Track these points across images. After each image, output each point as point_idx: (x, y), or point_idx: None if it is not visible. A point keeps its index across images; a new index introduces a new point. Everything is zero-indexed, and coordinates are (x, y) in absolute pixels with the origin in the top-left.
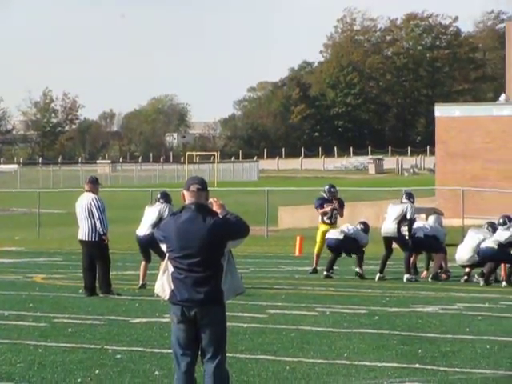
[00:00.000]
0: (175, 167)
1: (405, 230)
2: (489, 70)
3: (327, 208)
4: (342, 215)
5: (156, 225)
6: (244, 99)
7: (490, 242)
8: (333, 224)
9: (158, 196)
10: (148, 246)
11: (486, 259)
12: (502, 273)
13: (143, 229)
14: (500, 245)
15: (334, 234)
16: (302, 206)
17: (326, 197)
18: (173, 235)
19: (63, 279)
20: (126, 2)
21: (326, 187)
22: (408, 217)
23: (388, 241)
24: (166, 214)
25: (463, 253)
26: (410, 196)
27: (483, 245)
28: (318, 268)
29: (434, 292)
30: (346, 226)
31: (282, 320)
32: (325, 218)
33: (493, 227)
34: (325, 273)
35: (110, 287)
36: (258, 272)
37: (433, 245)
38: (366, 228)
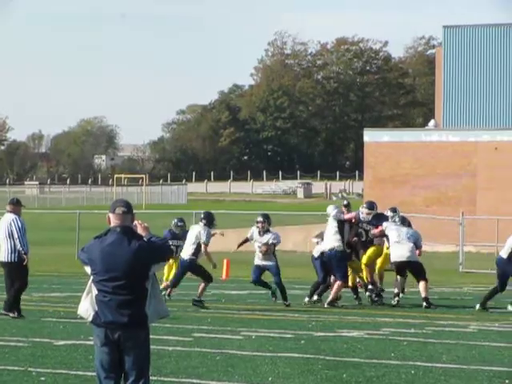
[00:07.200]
0: (103, 189)
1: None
2: (418, 95)
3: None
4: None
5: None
6: (173, 122)
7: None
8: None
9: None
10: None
11: None
12: None
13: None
14: None
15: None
16: (230, 229)
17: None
18: (97, 258)
19: None
20: (67, 24)
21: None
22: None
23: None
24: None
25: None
26: (398, 215)
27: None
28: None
29: (359, 317)
30: None
31: (208, 343)
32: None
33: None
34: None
35: (15, 306)
36: (184, 295)
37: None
38: None
